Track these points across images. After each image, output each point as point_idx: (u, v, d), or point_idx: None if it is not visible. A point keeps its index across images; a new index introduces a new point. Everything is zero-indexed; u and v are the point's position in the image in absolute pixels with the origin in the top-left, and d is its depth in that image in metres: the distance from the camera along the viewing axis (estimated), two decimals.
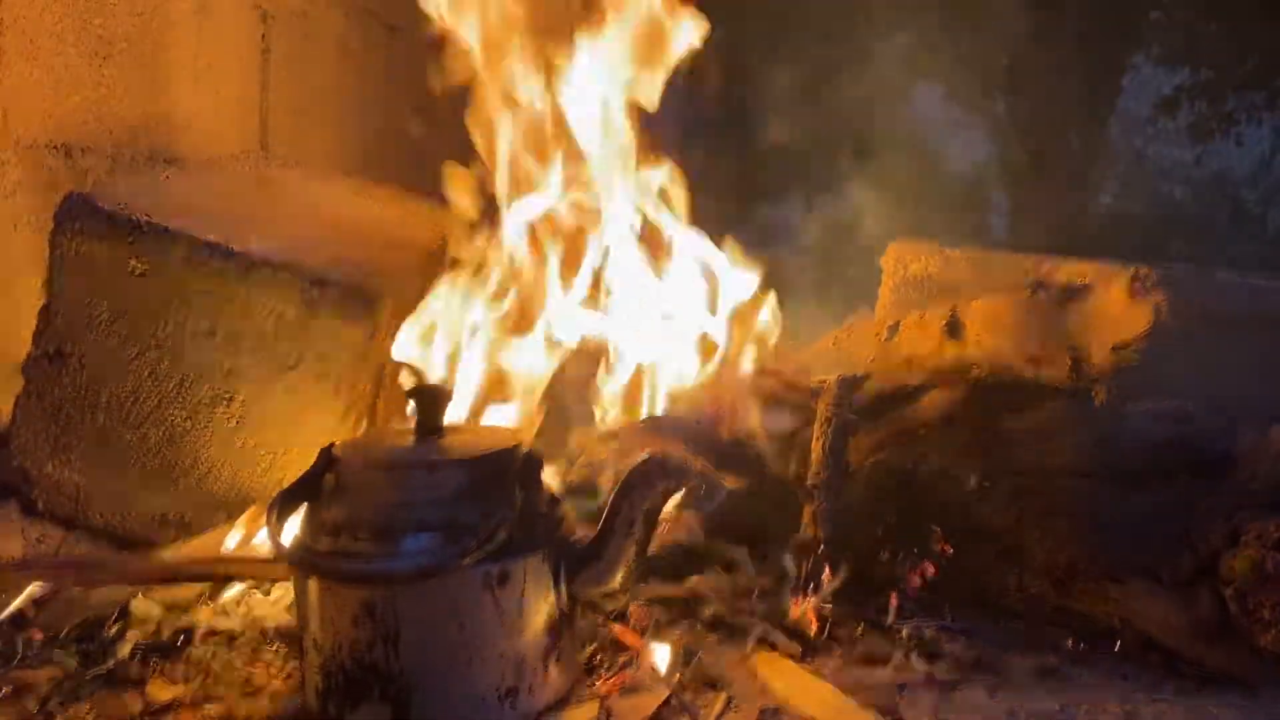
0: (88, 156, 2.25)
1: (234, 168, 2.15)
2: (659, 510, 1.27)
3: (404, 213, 2.32)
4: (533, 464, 1.26)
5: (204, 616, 1.55)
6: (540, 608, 1.24)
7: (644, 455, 1.28)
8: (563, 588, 1.26)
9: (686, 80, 2.24)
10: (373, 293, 1.76)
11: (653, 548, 1.62)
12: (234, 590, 1.61)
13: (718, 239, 2.13)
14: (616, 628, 1.41)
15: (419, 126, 3.30)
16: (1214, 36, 7.96)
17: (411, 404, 1.33)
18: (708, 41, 2.15)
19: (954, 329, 1.64)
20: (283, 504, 1.26)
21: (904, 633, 1.49)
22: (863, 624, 1.52)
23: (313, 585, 1.23)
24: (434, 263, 2.19)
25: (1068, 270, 1.79)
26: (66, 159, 2.20)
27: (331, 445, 1.30)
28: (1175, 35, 8.26)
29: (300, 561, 1.23)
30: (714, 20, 2.15)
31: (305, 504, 1.28)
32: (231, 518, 1.73)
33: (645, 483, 1.25)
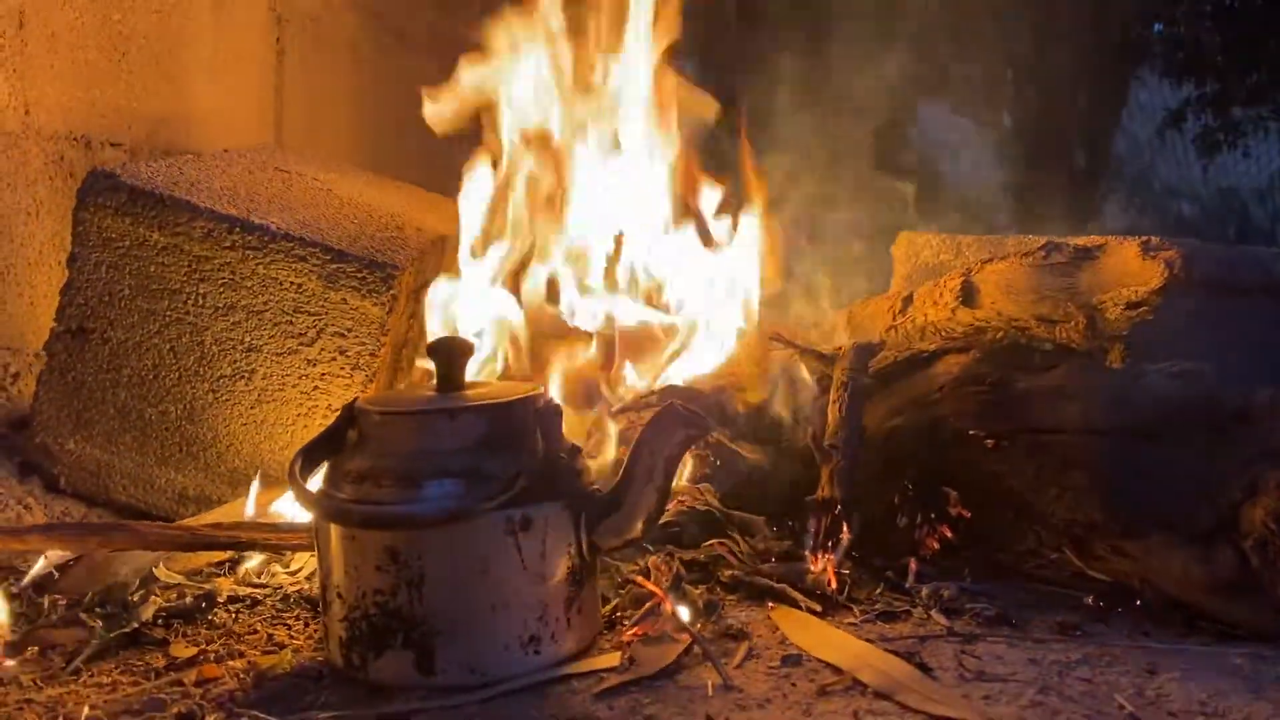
0: (106, 148, 2.29)
1: (251, 156, 2.18)
2: (679, 458, 1.27)
3: (416, 201, 2.36)
4: (553, 413, 1.27)
5: (225, 584, 1.57)
6: (562, 556, 1.25)
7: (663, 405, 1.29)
8: (584, 536, 1.27)
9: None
10: (391, 267, 1.78)
11: (670, 515, 1.64)
12: (255, 561, 1.62)
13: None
14: (639, 578, 1.41)
15: (428, 128, 3.33)
16: (1219, 49, 8.01)
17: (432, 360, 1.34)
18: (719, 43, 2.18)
19: (968, 294, 1.65)
20: (306, 457, 1.28)
21: (923, 592, 1.49)
22: (882, 585, 1.52)
23: (336, 534, 1.24)
24: (448, 247, 2.21)
25: (1080, 239, 1.80)
26: (86, 150, 2.23)
27: (355, 400, 1.32)
28: (1180, 48, 8.30)
29: (324, 508, 1.24)
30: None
31: (328, 458, 1.29)
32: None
33: (665, 430, 1.26)
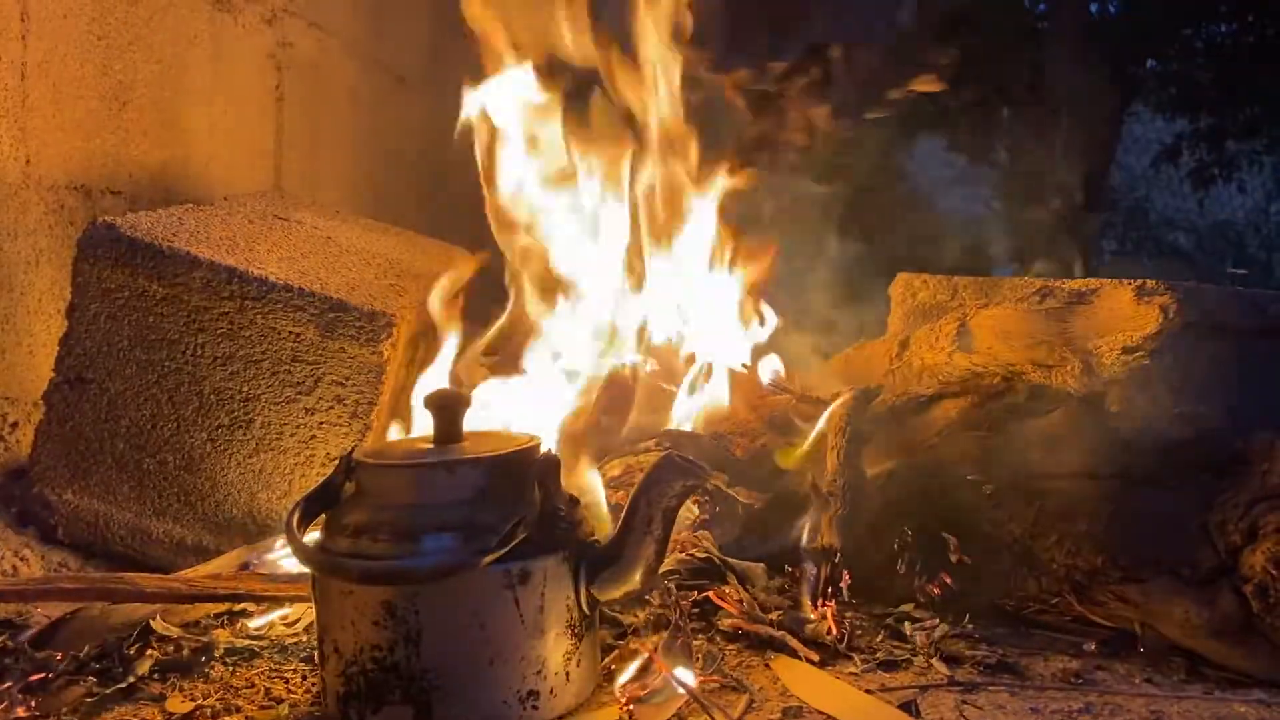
0: (106, 197, 2.30)
1: (250, 204, 2.19)
2: (677, 509, 1.27)
3: (415, 248, 2.36)
4: (551, 464, 1.27)
5: (223, 636, 1.56)
6: (560, 609, 1.24)
7: (661, 455, 1.29)
8: (582, 589, 1.26)
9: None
10: (389, 316, 1.78)
11: (669, 564, 1.64)
12: (256, 620, 1.61)
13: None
14: (638, 635, 1.40)
15: (427, 173, 3.35)
16: (1211, 84, 8.08)
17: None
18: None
19: (964, 339, 1.65)
20: (303, 509, 1.27)
21: (924, 640, 1.48)
22: (882, 633, 1.52)
23: (333, 589, 1.24)
24: (446, 293, 2.21)
25: (1074, 282, 1.81)
26: (86, 199, 2.24)
27: (351, 452, 1.32)
28: (1174, 84, 8.38)
29: (320, 563, 1.23)
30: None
31: (325, 510, 1.29)
32: (249, 542, 1.74)
33: (662, 481, 1.26)
